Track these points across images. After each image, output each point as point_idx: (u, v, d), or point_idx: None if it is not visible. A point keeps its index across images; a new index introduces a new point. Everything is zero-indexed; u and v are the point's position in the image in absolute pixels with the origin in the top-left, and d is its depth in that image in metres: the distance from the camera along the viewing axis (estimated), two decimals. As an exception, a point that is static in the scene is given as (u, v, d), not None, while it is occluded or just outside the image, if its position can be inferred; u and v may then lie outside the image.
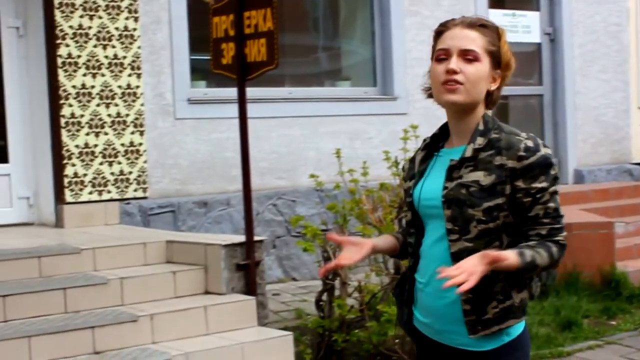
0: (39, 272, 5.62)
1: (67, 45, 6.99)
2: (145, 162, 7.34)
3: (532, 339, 6.22)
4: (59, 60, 6.96)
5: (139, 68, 7.32)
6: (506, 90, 10.11)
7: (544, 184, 2.54)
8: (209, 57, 6.31)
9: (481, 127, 2.61)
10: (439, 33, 2.66)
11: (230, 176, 7.58)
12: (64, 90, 6.98)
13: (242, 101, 5.98)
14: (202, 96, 7.75)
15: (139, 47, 7.32)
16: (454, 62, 2.56)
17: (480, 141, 2.59)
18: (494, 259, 2.39)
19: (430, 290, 2.62)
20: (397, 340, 5.82)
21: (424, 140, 2.77)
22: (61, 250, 5.81)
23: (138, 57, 7.32)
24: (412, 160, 2.76)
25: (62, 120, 6.97)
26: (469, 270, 2.34)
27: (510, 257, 2.45)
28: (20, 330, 5.00)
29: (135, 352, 5.14)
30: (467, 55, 2.57)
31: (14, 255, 5.64)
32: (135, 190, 7.29)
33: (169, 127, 7.52)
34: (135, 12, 7.31)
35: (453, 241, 2.55)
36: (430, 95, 2.73)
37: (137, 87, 7.31)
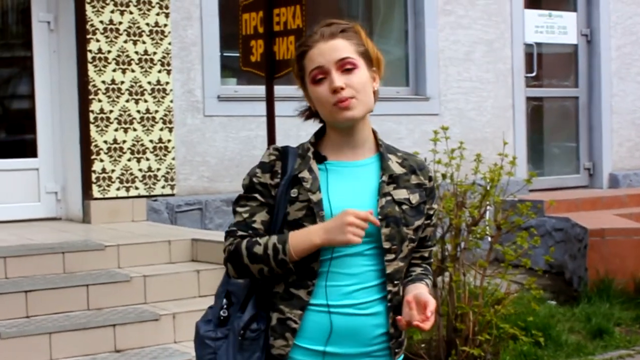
0: (62, 268, 5.60)
1: (98, 40, 6.97)
2: (173, 158, 7.31)
3: (562, 347, 6.10)
4: (89, 55, 6.94)
5: (169, 64, 7.28)
6: (541, 92, 10.00)
7: (435, 206, 2.62)
8: (239, 55, 6.25)
9: (381, 142, 2.55)
10: (301, 54, 2.49)
11: (259, 174, 7.50)
12: (94, 86, 6.96)
13: (270, 99, 5.93)
14: (232, 93, 7.70)
15: (169, 43, 7.29)
16: (337, 79, 2.42)
17: (395, 158, 2.54)
18: None
19: (351, 310, 2.42)
20: (423, 345, 5.74)
21: (307, 149, 2.51)
22: (85, 246, 5.79)
23: (168, 54, 7.28)
24: (310, 170, 2.46)
25: (91, 116, 6.95)
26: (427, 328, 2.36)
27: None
28: (41, 326, 4.98)
29: (157, 351, 5.10)
30: (345, 66, 2.43)
31: (39, 250, 5.63)
32: (163, 187, 7.25)
33: (198, 124, 7.48)
34: (166, 8, 7.28)
35: (389, 261, 2.44)
36: (309, 117, 2.58)
37: (167, 83, 7.28)
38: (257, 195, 2.49)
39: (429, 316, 2.34)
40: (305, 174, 2.46)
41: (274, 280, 2.45)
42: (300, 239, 2.38)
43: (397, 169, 2.51)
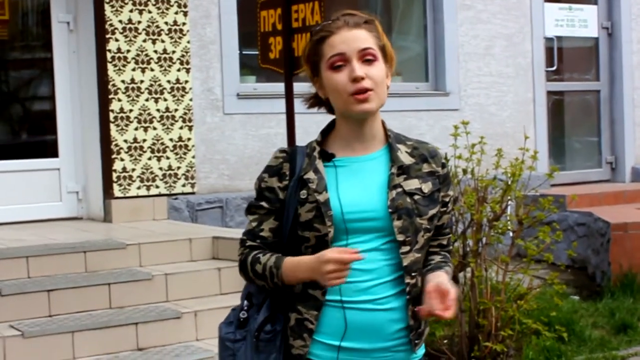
0: (84, 267, 5.61)
1: (117, 40, 6.99)
2: (193, 157, 7.32)
3: (585, 342, 6.06)
4: (109, 55, 6.96)
5: (188, 63, 7.29)
6: (562, 86, 9.92)
7: (451, 193, 2.58)
8: (257, 52, 6.25)
9: (390, 133, 2.52)
10: (321, 39, 2.44)
11: (279, 172, 7.51)
12: (113, 85, 6.98)
13: (289, 96, 5.91)
14: (251, 91, 7.70)
15: (188, 42, 7.30)
16: (358, 68, 2.40)
17: (405, 148, 2.51)
18: None
19: (368, 306, 2.41)
20: (445, 341, 5.71)
21: (313, 148, 2.49)
22: (107, 245, 5.80)
23: (187, 52, 7.29)
24: (316, 170, 2.45)
25: (111, 115, 6.97)
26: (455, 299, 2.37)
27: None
28: (64, 325, 4.99)
29: (179, 349, 5.11)
30: (367, 56, 2.41)
31: (61, 250, 5.65)
32: (184, 185, 7.26)
33: (218, 122, 7.49)
34: (185, 6, 7.29)
35: (405, 253, 2.42)
36: (313, 105, 2.56)
37: (186, 81, 7.29)
38: (263, 202, 2.51)
39: (450, 305, 2.32)
40: (310, 174, 2.45)
41: None
42: (290, 269, 2.42)
43: (407, 159, 2.49)
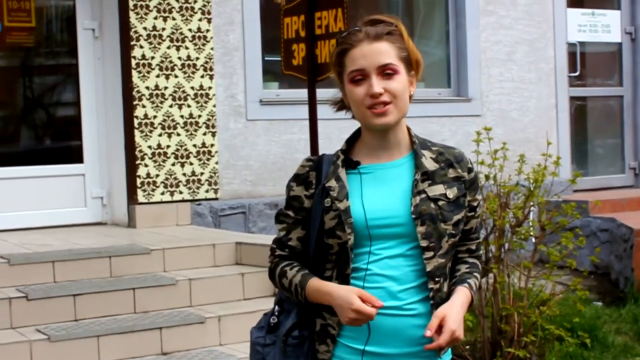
0: (109, 272, 5.67)
1: (141, 47, 7.05)
2: (216, 163, 7.36)
3: (608, 348, 6.05)
4: (133, 62, 7.02)
5: (211, 69, 7.34)
6: (585, 92, 9.87)
7: (479, 197, 2.59)
8: (280, 59, 6.29)
9: (415, 139, 2.53)
10: (343, 51, 2.46)
11: (302, 178, 7.54)
12: (138, 91, 7.04)
13: (312, 102, 5.95)
14: (274, 97, 7.75)
15: (211, 49, 7.35)
16: (376, 84, 2.40)
17: (429, 154, 2.52)
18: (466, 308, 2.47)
19: (394, 312, 2.43)
20: (467, 347, 5.72)
21: (337, 156, 2.53)
22: (131, 250, 5.85)
23: (211, 59, 7.34)
24: (337, 178, 2.48)
25: (136, 121, 7.03)
26: (460, 337, 2.38)
27: (469, 296, 2.50)
28: (89, 329, 5.05)
29: (202, 353, 5.14)
30: (386, 70, 2.42)
31: (86, 255, 5.70)
32: (207, 191, 7.31)
33: (241, 128, 7.53)
34: (209, 13, 7.34)
35: (428, 259, 2.44)
36: (340, 108, 2.59)
37: (210, 88, 7.34)
38: (290, 211, 2.55)
39: (442, 338, 2.36)
40: (332, 182, 2.48)
41: None
42: (313, 294, 2.46)
43: (431, 165, 2.50)
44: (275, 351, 2.52)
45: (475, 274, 2.58)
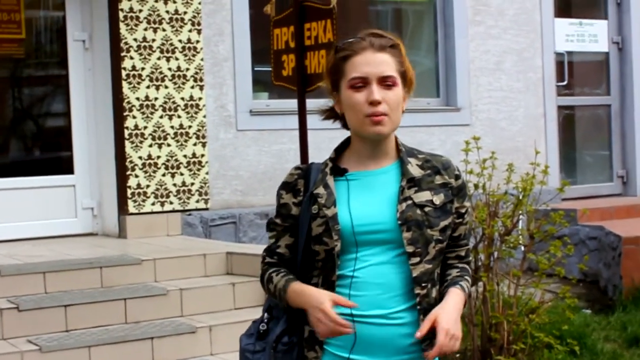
0: (100, 282, 5.68)
1: (132, 58, 7.08)
2: (207, 173, 7.39)
3: (597, 356, 6.09)
4: (123, 73, 7.05)
5: (201, 80, 7.37)
6: (573, 101, 9.90)
7: (467, 204, 2.61)
8: (270, 69, 6.33)
9: (402, 147, 2.57)
10: (345, 57, 2.50)
11: (292, 187, 7.57)
12: (128, 102, 7.06)
13: (302, 112, 5.98)
14: (263, 108, 7.78)
15: (201, 59, 7.38)
16: (377, 92, 2.45)
17: (415, 161, 2.55)
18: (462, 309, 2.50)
19: (380, 320, 2.45)
20: (457, 355, 5.75)
21: (325, 164, 2.57)
22: (122, 261, 5.87)
23: (201, 69, 7.38)
24: (325, 186, 2.52)
25: (126, 132, 7.05)
26: (457, 336, 2.42)
27: (462, 297, 2.54)
28: (81, 340, 5.06)
29: (194, 363, 5.16)
30: (387, 82, 2.46)
31: (77, 265, 5.72)
32: (197, 201, 7.33)
33: (231, 139, 7.56)
34: (199, 24, 7.38)
35: (415, 264, 2.47)
36: (328, 117, 2.61)
37: (200, 98, 7.37)
38: (279, 219, 2.60)
39: (438, 339, 2.40)
40: (320, 190, 2.52)
41: None
42: (293, 297, 2.51)
43: (417, 172, 2.53)
44: (265, 358, 2.55)
45: (467, 277, 2.61)
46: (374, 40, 2.50)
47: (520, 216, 5.77)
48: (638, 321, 6.82)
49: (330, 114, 2.61)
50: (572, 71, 9.79)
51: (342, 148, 2.61)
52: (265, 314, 2.62)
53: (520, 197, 5.68)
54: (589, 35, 9.85)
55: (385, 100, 2.46)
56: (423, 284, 2.49)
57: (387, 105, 2.46)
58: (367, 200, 2.51)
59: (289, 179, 2.60)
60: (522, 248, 5.78)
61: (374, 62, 2.47)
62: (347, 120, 2.54)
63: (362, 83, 2.47)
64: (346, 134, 2.63)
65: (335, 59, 2.54)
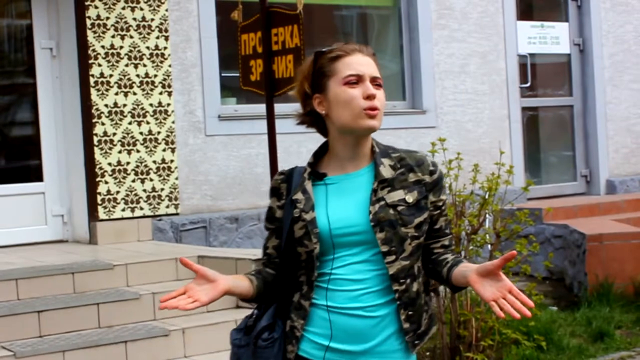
0: (73, 288, 5.71)
1: (100, 65, 7.11)
2: (176, 178, 7.43)
3: (564, 350, 6.21)
4: (92, 80, 7.08)
5: (169, 86, 7.42)
6: (536, 102, 10.08)
7: (444, 197, 2.69)
8: (238, 74, 6.39)
9: (376, 149, 2.65)
10: (337, 57, 2.60)
11: (261, 191, 7.65)
12: (97, 109, 7.09)
13: (270, 117, 6.05)
14: (232, 113, 7.84)
15: (169, 66, 7.43)
16: (372, 88, 2.58)
17: (388, 162, 2.63)
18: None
19: (355, 312, 2.55)
20: (427, 353, 5.84)
21: (304, 169, 2.67)
22: (94, 266, 5.90)
23: (169, 76, 7.42)
24: (304, 191, 2.63)
25: (95, 139, 7.08)
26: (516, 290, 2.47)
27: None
28: (54, 345, 5.09)
29: (168, 366, 5.21)
30: (377, 82, 2.60)
31: (49, 271, 5.74)
32: (167, 206, 7.38)
33: (200, 144, 7.61)
34: (166, 31, 7.42)
35: (390, 262, 2.56)
36: (303, 123, 2.70)
37: (168, 104, 7.41)
38: (267, 222, 2.74)
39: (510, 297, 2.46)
40: (299, 195, 2.63)
41: (293, 290, 2.65)
42: None
43: (389, 173, 2.61)
44: (249, 352, 2.65)
45: (462, 261, 2.64)
46: (362, 47, 2.64)
47: (487, 215, 5.87)
48: (602, 316, 6.96)
49: (306, 118, 2.68)
50: (535, 73, 9.95)
51: (321, 152, 2.70)
52: (255, 310, 2.73)
53: (486, 197, 5.78)
54: (551, 38, 10.02)
55: (377, 97, 2.58)
56: (401, 280, 2.57)
57: (379, 102, 2.58)
58: (343, 204, 2.60)
59: (274, 184, 2.73)
60: (489, 247, 5.88)
61: (366, 63, 2.60)
62: (333, 119, 2.60)
63: (357, 80, 2.58)
64: (317, 137, 2.71)
65: (325, 59, 2.62)
